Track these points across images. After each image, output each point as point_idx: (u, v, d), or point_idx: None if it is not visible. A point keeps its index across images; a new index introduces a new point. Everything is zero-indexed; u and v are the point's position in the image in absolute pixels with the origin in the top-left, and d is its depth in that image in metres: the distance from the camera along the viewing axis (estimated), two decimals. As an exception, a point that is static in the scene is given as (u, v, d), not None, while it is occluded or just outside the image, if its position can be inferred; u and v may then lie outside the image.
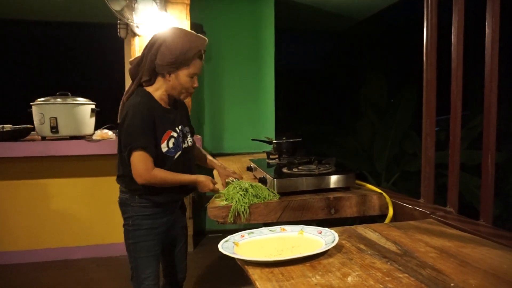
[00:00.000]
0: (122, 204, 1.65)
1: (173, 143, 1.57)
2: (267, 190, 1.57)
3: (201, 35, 1.56)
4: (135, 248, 1.62)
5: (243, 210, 1.45)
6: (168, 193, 1.61)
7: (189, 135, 1.71)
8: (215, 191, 1.57)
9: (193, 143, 1.76)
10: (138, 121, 1.47)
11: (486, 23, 1.21)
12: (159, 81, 1.56)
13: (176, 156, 1.58)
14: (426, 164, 1.55)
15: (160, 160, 1.53)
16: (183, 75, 1.51)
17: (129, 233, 1.63)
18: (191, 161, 1.71)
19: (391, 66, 5.81)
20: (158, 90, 1.57)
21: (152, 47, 1.52)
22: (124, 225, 1.66)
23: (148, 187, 1.53)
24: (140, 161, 1.46)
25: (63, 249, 3.19)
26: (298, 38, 6.36)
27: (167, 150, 1.55)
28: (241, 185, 1.56)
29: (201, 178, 1.58)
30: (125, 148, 1.50)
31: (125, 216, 1.64)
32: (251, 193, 1.51)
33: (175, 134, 1.58)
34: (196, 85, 1.56)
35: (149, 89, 1.58)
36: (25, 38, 4.99)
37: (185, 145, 1.65)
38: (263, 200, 1.50)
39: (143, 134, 1.47)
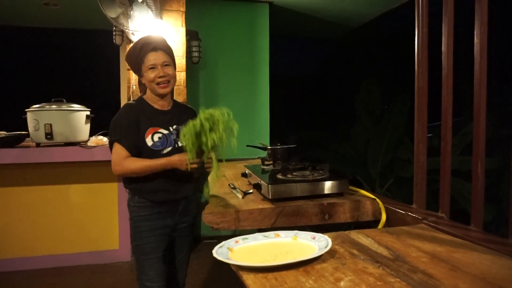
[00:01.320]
0: (128, 205, 1.74)
1: (159, 138, 1.66)
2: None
3: (152, 34, 1.74)
4: (138, 250, 1.69)
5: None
6: (162, 192, 1.67)
7: None
8: (194, 166, 1.56)
9: None
10: (117, 118, 1.65)
11: (475, 33, 1.24)
12: (147, 88, 1.74)
13: (164, 152, 1.67)
14: (418, 170, 1.57)
15: (147, 155, 1.64)
16: (145, 72, 1.66)
17: (132, 235, 1.71)
18: None
19: (385, 73, 5.86)
20: (148, 95, 1.74)
21: None
22: (129, 226, 1.74)
23: (141, 184, 1.64)
24: (114, 153, 1.61)
25: (58, 256, 3.17)
26: (293, 45, 6.42)
27: (153, 144, 1.65)
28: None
29: (173, 158, 1.59)
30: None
31: (129, 218, 1.72)
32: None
33: (164, 132, 1.68)
34: (160, 74, 1.64)
35: (145, 96, 1.76)
36: (20, 44, 4.99)
37: (181, 144, 1.68)
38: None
39: (119, 128, 1.62)
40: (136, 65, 1.68)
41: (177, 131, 1.72)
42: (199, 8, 3.81)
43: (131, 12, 2.93)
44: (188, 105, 1.93)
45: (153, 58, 1.64)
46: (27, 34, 4.88)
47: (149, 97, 1.73)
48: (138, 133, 1.63)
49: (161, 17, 3.17)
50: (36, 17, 4.34)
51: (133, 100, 1.75)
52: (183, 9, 3.31)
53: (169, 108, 1.75)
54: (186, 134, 1.48)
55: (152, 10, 2.99)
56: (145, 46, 1.64)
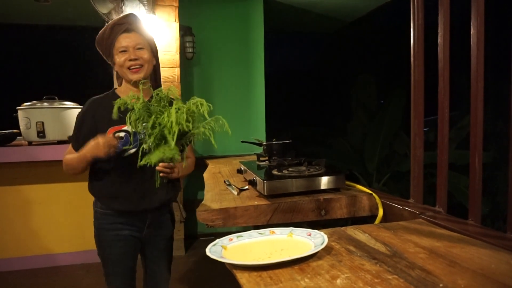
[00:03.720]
0: (93, 208, 1.60)
1: (121, 138, 1.44)
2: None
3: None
4: (102, 259, 1.56)
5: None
6: (121, 199, 1.50)
7: None
8: (112, 143, 1.34)
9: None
10: (76, 117, 1.55)
11: (471, 24, 1.22)
12: (121, 78, 1.56)
13: (127, 154, 1.46)
14: (415, 164, 1.55)
15: (112, 157, 1.42)
16: (116, 55, 1.48)
17: (96, 242, 1.57)
18: None
19: (380, 67, 5.85)
20: (123, 86, 1.56)
21: None
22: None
23: (100, 188, 1.52)
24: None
25: (51, 255, 3.13)
26: (288, 40, 6.38)
27: None
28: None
29: (97, 139, 1.36)
30: None
31: (93, 223, 1.59)
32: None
33: (129, 129, 1.37)
34: (131, 57, 1.45)
35: (119, 87, 1.58)
36: (11, 41, 4.92)
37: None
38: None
39: (74, 128, 1.52)
40: (107, 50, 1.48)
41: None
42: (193, 3, 3.76)
43: (123, 7, 2.89)
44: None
45: (124, 40, 1.45)
46: (18, 31, 4.81)
47: (122, 88, 1.54)
48: (96, 133, 1.41)
49: (153, 12, 3.12)
50: (27, 14, 4.28)
51: (103, 94, 1.56)
52: (176, 4, 3.27)
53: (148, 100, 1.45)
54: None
55: (144, 5, 2.95)
56: (116, 28, 1.44)
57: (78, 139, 1.49)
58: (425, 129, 1.58)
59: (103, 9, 2.81)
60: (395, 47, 5.58)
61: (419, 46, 1.54)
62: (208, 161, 2.96)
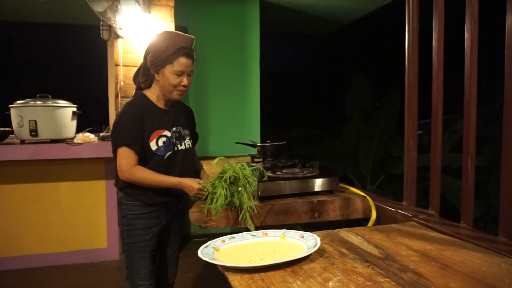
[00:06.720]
0: (119, 203, 1.69)
1: (164, 142, 1.60)
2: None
3: (187, 35, 1.60)
4: (130, 248, 1.65)
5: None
6: (157, 195, 1.63)
7: (188, 138, 1.72)
8: (200, 195, 1.51)
9: (192, 148, 1.77)
10: (124, 120, 1.55)
11: (465, 28, 1.23)
12: (154, 83, 1.63)
13: (166, 156, 1.61)
14: (408, 167, 1.56)
15: (149, 158, 1.58)
16: (168, 72, 1.55)
17: (124, 233, 1.66)
18: (187, 164, 1.71)
19: (375, 70, 5.88)
20: (154, 92, 1.64)
21: (146, 51, 1.62)
22: (120, 225, 1.69)
23: (133, 186, 1.58)
24: (122, 158, 1.53)
25: (43, 255, 3.10)
26: (284, 42, 6.39)
27: (157, 149, 1.59)
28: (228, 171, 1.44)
29: (186, 181, 1.54)
30: (112, 146, 1.57)
31: (121, 215, 1.68)
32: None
33: (168, 134, 1.62)
34: (185, 83, 1.58)
35: (147, 91, 1.66)
36: (4, 39, 4.88)
37: (181, 147, 1.67)
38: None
39: (127, 132, 1.53)
40: (160, 60, 1.53)
41: (179, 134, 1.67)
42: (189, 3, 3.75)
43: (119, 6, 2.87)
44: (184, 103, 1.83)
45: (185, 64, 1.55)
46: (12, 29, 4.77)
47: (154, 95, 1.63)
48: (143, 135, 1.56)
49: (149, 12, 3.11)
50: (22, 11, 4.24)
51: (133, 97, 1.65)
52: (172, 3, 3.25)
53: (170, 106, 1.67)
54: (216, 184, 1.42)
55: (140, 4, 2.94)
56: (181, 50, 1.54)
57: (138, 141, 1.55)
58: (418, 132, 1.59)
59: (98, 8, 2.79)
60: (390, 50, 5.60)
61: (413, 49, 1.55)
62: (202, 162, 2.95)
